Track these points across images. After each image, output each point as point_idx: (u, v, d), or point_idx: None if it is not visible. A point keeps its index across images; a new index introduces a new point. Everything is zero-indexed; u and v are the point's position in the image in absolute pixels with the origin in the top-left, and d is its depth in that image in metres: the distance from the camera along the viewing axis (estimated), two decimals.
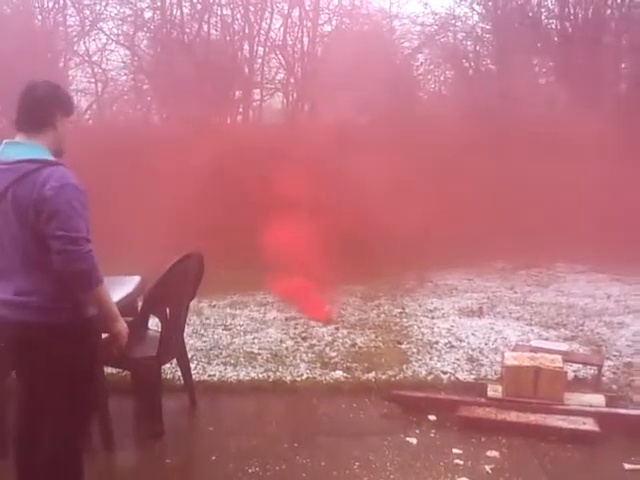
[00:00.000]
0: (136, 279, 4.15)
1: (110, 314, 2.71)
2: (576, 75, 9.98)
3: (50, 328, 2.64)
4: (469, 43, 11.57)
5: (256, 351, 5.17)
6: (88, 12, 10.58)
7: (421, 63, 11.61)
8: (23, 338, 2.70)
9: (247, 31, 10.85)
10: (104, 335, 3.35)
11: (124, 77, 11.24)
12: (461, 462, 3.53)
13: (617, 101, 10.28)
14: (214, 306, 6.46)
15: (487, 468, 3.47)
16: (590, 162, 8.00)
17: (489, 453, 3.62)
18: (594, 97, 9.69)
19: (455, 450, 3.65)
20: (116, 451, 3.70)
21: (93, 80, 10.94)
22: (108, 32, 10.78)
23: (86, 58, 10.93)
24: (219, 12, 10.88)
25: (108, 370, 4.06)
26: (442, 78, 12.10)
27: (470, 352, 5.09)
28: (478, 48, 11.60)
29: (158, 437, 3.81)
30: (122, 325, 2.77)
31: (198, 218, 7.18)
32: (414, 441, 3.78)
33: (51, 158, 2.61)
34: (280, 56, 11.26)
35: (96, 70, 10.95)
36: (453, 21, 11.26)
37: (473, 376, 4.64)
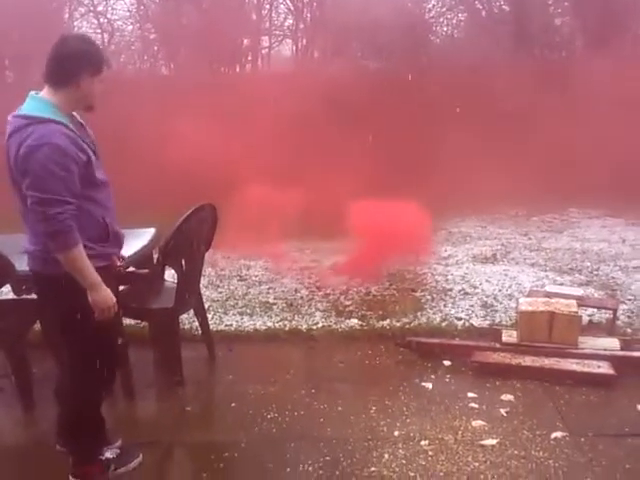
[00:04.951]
0: (151, 231, 4.17)
1: (84, 281, 2.63)
2: (592, 15, 9.71)
3: (48, 278, 2.71)
4: None
5: (272, 301, 5.22)
6: None
7: (433, 6, 11.34)
8: (35, 286, 2.85)
9: None
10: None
11: (130, 27, 11.09)
12: (476, 406, 3.58)
13: (635, 42, 10.03)
14: (228, 257, 6.50)
15: (502, 411, 3.51)
16: (605, 105, 7.86)
17: (504, 397, 3.66)
18: (611, 38, 9.44)
19: (470, 394, 3.70)
20: (137, 400, 3.78)
21: (99, 31, 10.79)
22: None
23: (91, 8, 10.76)
24: None
25: (127, 321, 4.12)
26: (454, 21, 11.83)
27: (484, 298, 5.11)
28: None
29: (178, 386, 3.88)
30: (100, 295, 2.66)
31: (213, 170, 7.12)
32: (429, 386, 3.83)
33: (47, 115, 2.55)
34: (288, 1, 11.02)
35: (102, 20, 10.79)
36: None
37: (487, 322, 4.66)
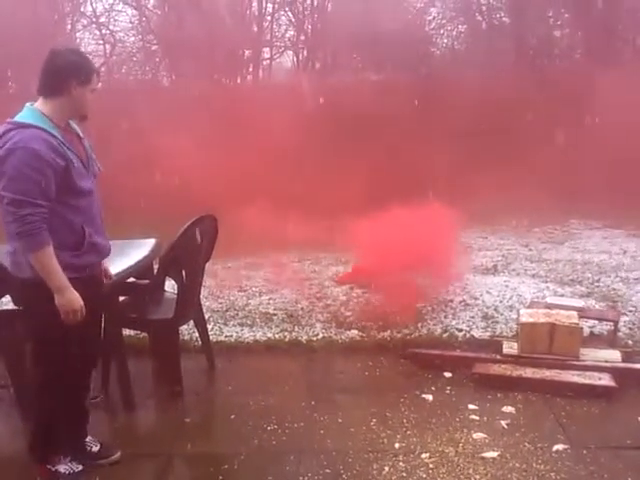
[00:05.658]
0: (151, 242, 4.16)
1: (51, 283, 2.68)
2: (592, 27, 9.76)
3: (22, 282, 2.78)
4: None
5: (272, 312, 5.21)
6: None
7: (433, 17, 11.41)
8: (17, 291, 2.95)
9: None
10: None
11: (132, 38, 11.14)
12: (477, 418, 3.56)
13: (634, 52, 10.07)
14: (229, 268, 6.49)
15: (503, 423, 3.50)
16: (606, 115, 7.89)
17: (505, 409, 3.64)
18: (611, 49, 9.50)
19: (471, 406, 3.68)
20: (136, 411, 3.76)
21: (101, 42, 10.84)
22: None
23: (93, 19, 10.82)
24: None
25: (127, 332, 4.12)
26: (454, 33, 11.88)
27: (485, 310, 5.09)
28: (491, 1, 11.36)
29: (177, 397, 3.86)
30: (65, 298, 2.71)
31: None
32: (430, 398, 3.82)
33: (32, 122, 2.65)
34: (289, 13, 11.09)
35: (104, 32, 10.85)
36: None
37: (488, 333, 4.64)
